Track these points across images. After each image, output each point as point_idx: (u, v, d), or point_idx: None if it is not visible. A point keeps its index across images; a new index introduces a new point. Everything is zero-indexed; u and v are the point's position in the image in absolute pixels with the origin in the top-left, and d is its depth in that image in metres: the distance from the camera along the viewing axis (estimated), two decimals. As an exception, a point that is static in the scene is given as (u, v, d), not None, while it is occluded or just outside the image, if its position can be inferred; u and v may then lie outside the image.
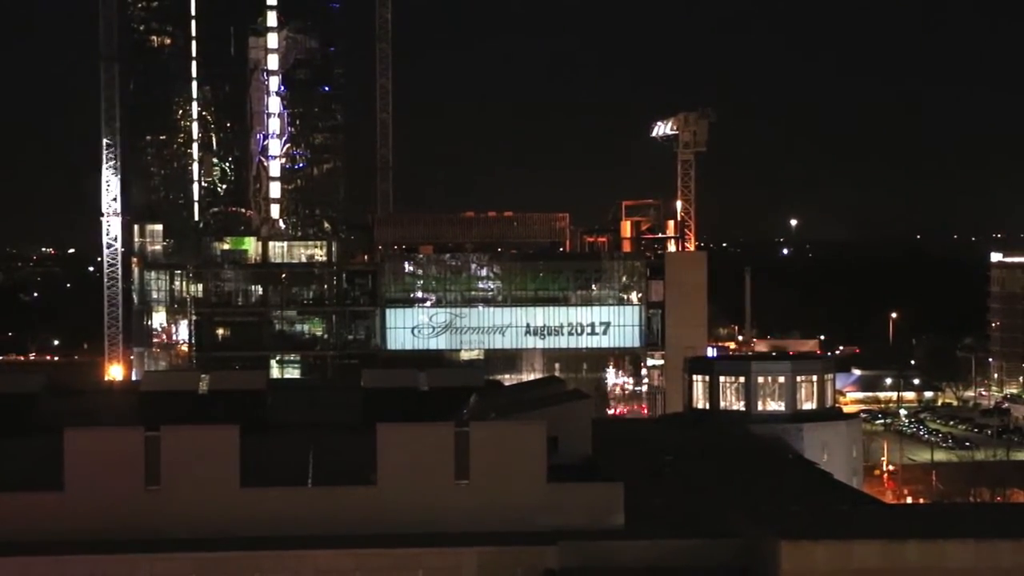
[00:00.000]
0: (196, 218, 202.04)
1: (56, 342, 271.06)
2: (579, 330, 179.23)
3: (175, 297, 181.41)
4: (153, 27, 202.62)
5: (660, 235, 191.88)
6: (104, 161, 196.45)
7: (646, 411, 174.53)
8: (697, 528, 52.26)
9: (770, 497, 61.44)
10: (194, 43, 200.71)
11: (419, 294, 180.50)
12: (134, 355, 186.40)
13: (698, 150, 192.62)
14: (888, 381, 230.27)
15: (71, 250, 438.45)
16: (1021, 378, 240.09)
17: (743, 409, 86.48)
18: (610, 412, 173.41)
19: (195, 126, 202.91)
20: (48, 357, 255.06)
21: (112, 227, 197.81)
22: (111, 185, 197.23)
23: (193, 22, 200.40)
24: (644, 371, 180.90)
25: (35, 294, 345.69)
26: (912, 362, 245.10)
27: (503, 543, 50.54)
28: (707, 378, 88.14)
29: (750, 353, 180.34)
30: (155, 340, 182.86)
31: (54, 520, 51.51)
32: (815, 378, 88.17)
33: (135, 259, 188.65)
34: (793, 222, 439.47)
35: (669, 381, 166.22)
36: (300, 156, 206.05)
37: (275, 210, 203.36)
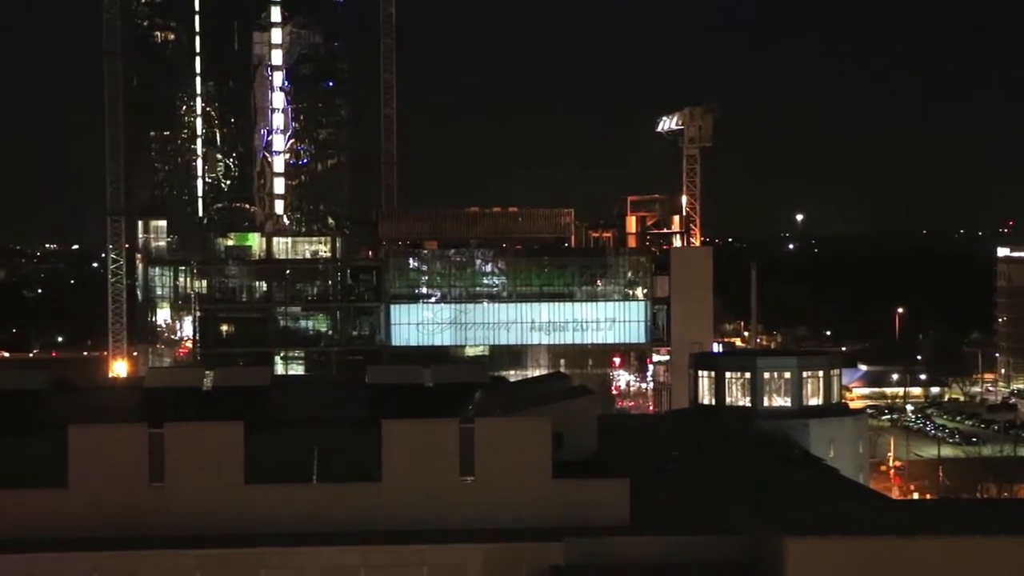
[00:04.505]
0: (200, 214, 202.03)
1: (60, 338, 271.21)
2: (584, 326, 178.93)
3: (179, 293, 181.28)
4: (157, 22, 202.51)
5: (665, 230, 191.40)
6: (108, 157, 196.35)
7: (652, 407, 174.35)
8: (703, 524, 52.09)
9: (776, 493, 61.25)
10: (198, 38, 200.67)
11: (424, 290, 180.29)
12: (138, 351, 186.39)
13: (704, 145, 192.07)
14: (895, 377, 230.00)
15: (75, 246, 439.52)
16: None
17: (749, 405, 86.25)
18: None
19: (199, 122, 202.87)
20: (52, 354, 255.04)
21: (116, 223, 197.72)
22: (115, 181, 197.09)
23: (197, 17, 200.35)
24: (650, 367, 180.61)
25: (39, 290, 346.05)
26: (919, 357, 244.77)
27: (508, 539, 50.39)
28: (713, 374, 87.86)
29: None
30: (160, 336, 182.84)
31: (58, 517, 51.41)
32: (821, 374, 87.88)
33: (139, 255, 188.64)
34: (799, 217, 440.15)
35: (675, 377, 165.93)
36: (304, 152, 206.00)
37: (279, 206, 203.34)
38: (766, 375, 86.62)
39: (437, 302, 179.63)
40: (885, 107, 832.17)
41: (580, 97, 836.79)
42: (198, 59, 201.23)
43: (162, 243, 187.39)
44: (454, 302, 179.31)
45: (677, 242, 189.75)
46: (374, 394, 70.12)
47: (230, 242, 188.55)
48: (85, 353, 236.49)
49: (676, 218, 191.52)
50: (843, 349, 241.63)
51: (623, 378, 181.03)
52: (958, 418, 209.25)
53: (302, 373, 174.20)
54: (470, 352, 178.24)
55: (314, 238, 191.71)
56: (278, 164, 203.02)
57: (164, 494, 52.26)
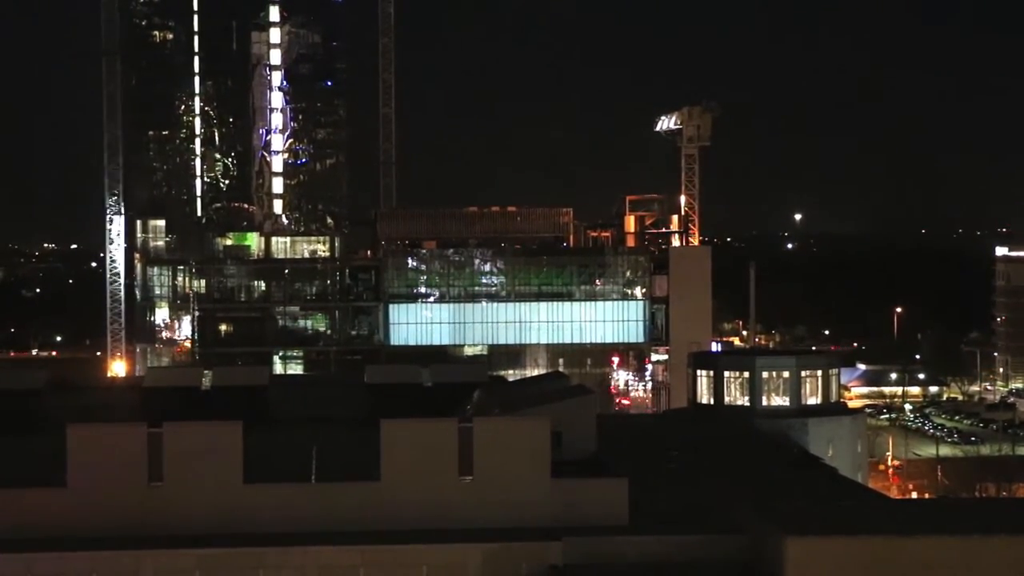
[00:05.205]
0: (199, 213, 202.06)
1: (59, 338, 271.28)
2: (583, 325, 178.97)
3: (178, 293, 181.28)
4: (155, 22, 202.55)
5: (664, 230, 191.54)
6: (106, 156, 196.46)
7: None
8: (702, 524, 52.07)
9: (775, 492, 61.27)
10: (196, 38, 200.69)
11: (422, 289, 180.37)
12: (137, 351, 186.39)
13: (702, 144, 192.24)
14: (893, 376, 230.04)
15: (73, 246, 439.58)
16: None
17: (747, 404, 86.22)
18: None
19: (197, 121, 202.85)
20: (51, 353, 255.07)
21: (114, 223, 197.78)
22: (113, 180, 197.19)
23: (195, 17, 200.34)
24: (648, 366, 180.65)
25: (37, 290, 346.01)
26: (917, 357, 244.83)
27: (507, 539, 50.37)
28: (711, 373, 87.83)
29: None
30: (158, 336, 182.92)
31: (57, 517, 51.37)
32: (819, 373, 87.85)
33: (138, 255, 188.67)
34: (797, 216, 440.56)
35: (673, 376, 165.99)
36: (303, 151, 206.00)
37: (278, 205, 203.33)
38: (765, 374, 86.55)
39: (436, 302, 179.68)
40: (884, 107, 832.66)
41: (579, 96, 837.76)
42: (196, 59, 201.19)
43: (161, 243, 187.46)
44: (453, 302, 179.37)
45: (676, 242, 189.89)
46: (373, 394, 70.12)
47: (229, 242, 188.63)
48: (82, 353, 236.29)
49: (675, 218, 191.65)
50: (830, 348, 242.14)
51: (622, 377, 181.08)
52: (956, 417, 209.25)
53: (301, 372, 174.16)
54: (469, 352, 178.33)
55: (313, 238, 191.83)
56: (276, 164, 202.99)
57: (163, 494, 52.23)
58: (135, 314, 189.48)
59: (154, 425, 53.23)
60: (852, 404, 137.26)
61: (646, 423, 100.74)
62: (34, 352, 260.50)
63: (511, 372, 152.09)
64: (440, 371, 74.60)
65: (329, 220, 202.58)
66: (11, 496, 51.89)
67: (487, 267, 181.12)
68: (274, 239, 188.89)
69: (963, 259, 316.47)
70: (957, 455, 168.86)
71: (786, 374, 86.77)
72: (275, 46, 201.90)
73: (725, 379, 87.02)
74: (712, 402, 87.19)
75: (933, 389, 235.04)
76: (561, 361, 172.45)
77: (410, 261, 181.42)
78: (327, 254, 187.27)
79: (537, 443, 53.19)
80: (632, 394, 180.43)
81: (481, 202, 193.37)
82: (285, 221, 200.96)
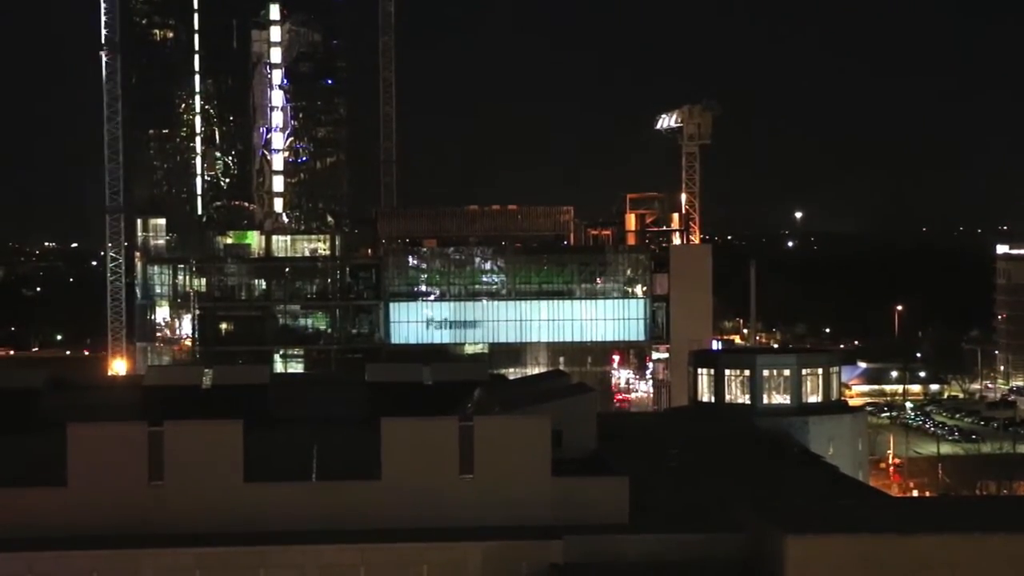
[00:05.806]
0: (199, 212, 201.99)
1: (59, 337, 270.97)
2: (583, 324, 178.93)
3: (178, 291, 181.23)
4: (155, 20, 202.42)
5: (665, 228, 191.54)
6: (106, 155, 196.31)
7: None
8: (702, 522, 52.08)
9: (775, 491, 61.27)
10: (196, 36, 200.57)
11: (423, 288, 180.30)
12: (137, 350, 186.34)
13: (702, 143, 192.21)
14: (894, 374, 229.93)
15: (74, 244, 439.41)
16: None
17: (748, 402, 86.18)
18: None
19: (198, 120, 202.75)
20: (51, 352, 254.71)
21: (115, 221, 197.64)
22: (113, 179, 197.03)
23: (195, 15, 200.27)
24: (649, 364, 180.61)
25: (38, 288, 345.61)
26: (918, 355, 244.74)
27: (508, 537, 50.42)
28: (712, 371, 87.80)
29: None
30: (158, 335, 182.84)
31: (57, 516, 51.42)
32: (820, 371, 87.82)
33: (138, 253, 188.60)
34: (798, 215, 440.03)
35: (674, 375, 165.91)
36: (303, 150, 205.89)
37: (278, 204, 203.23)
38: (765, 372, 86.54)
39: (436, 300, 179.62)
40: (885, 106, 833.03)
41: (579, 94, 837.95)
42: (197, 57, 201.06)
43: (161, 241, 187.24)
44: (453, 300, 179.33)
45: (676, 240, 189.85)
46: (373, 392, 70.11)
47: (229, 240, 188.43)
48: (82, 352, 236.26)
49: (675, 216, 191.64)
50: (841, 347, 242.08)
51: (622, 376, 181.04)
52: (957, 415, 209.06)
53: (301, 371, 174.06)
54: (469, 350, 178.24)
55: (313, 236, 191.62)
56: (277, 162, 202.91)
57: (164, 492, 52.26)
58: (135, 313, 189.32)
59: (155, 424, 53.29)
60: (853, 402, 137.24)
61: (647, 421, 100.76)
62: (35, 351, 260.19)
63: (512, 370, 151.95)
64: (441, 369, 74.64)
65: (329, 218, 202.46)
66: (11, 496, 51.90)
67: (488, 265, 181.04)
68: (274, 237, 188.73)
69: (963, 257, 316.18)
70: (958, 453, 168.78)
71: (787, 372, 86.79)
72: (276, 44, 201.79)
73: (726, 377, 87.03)
74: (713, 400, 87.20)
75: (934, 387, 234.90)
76: (562, 359, 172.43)
77: (411, 259, 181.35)
78: (327, 252, 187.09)
79: (538, 441, 53.22)
80: (633, 392, 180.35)
81: (481, 201, 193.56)
82: (285, 219, 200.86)
